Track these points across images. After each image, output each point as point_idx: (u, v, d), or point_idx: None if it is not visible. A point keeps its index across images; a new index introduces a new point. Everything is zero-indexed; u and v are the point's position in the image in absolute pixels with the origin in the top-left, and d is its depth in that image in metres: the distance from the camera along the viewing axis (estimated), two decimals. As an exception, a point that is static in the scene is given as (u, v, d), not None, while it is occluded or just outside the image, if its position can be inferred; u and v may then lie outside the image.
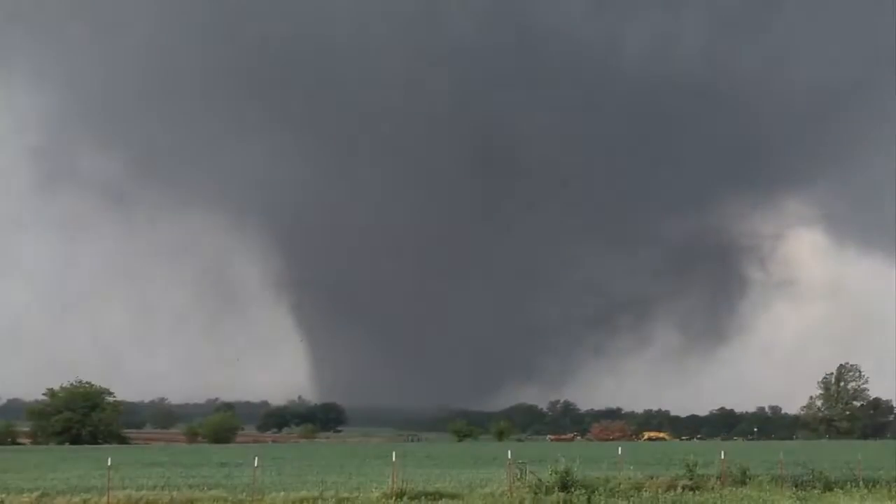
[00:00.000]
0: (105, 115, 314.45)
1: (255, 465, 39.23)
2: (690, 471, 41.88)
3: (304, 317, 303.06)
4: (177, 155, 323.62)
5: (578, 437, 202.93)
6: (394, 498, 35.79)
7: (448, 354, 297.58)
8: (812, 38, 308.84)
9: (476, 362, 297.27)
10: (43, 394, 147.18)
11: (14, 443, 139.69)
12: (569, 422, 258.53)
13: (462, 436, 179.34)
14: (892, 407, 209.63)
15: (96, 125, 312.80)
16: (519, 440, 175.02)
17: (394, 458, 40.30)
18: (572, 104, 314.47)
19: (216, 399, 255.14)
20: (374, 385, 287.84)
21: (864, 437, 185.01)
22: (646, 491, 38.46)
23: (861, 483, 42.06)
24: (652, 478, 42.38)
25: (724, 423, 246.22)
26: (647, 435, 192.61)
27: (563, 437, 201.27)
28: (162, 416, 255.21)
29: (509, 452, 42.57)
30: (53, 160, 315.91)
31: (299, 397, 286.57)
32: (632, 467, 49.49)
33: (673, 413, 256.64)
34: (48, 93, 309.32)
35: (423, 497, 36.05)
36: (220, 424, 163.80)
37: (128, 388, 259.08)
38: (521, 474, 40.27)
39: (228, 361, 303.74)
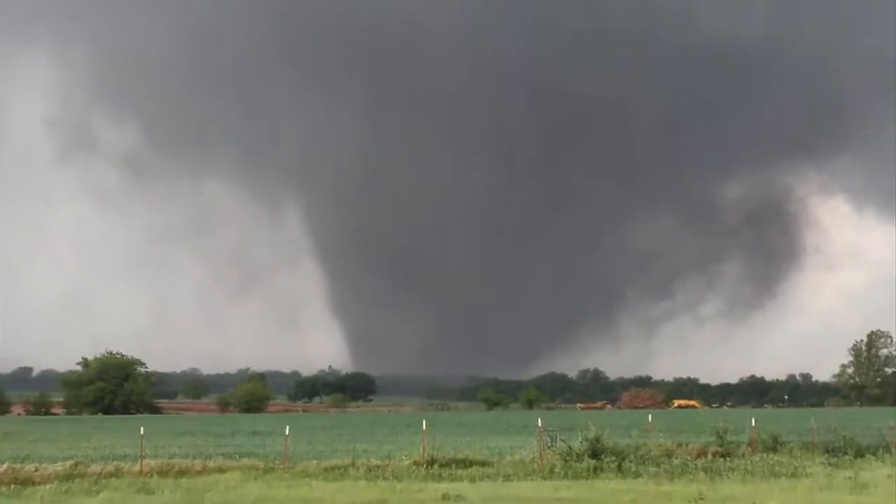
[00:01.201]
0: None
1: (287, 434, 39.43)
2: (721, 438, 41.81)
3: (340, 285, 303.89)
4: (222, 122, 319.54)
5: (608, 406, 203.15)
6: (424, 466, 35.89)
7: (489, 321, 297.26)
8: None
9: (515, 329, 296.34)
10: (77, 363, 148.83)
11: (48, 413, 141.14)
12: (598, 390, 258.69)
13: (492, 404, 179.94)
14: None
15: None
16: (549, 408, 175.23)
17: (423, 427, 40.41)
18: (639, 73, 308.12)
19: (247, 369, 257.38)
20: (410, 353, 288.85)
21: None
22: (676, 458, 38.43)
23: (893, 449, 41.89)
24: (682, 445, 42.34)
25: (755, 391, 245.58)
26: (676, 403, 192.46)
27: (593, 405, 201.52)
28: (193, 386, 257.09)
29: (539, 420, 42.62)
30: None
31: (330, 367, 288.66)
32: (662, 434, 49.48)
33: (703, 381, 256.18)
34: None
35: (453, 464, 36.15)
36: (252, 394, 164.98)
37: (160, 358, 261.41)
38: (551, 442, 40.33)
39: (259, 331, 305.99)
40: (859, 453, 41.03)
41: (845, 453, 40.94)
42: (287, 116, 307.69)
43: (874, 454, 40.94)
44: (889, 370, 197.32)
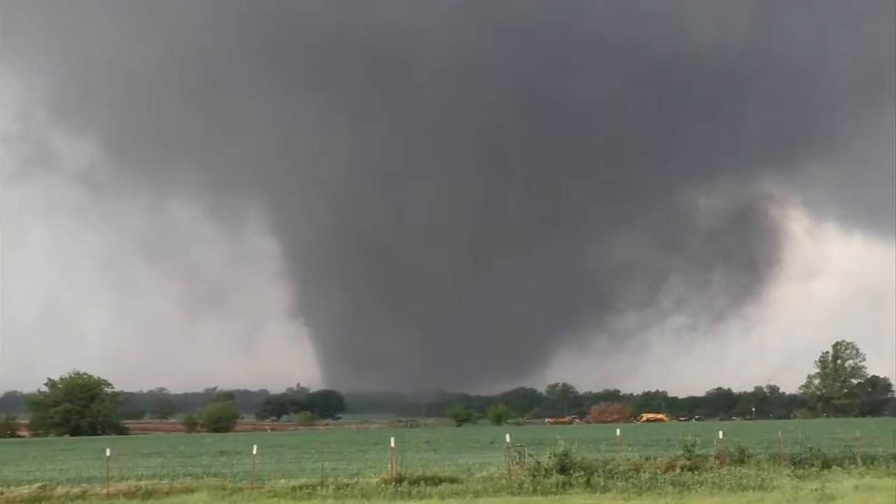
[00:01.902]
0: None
1: (255, 452, 39.26)
2: (689, 451, 41.91)
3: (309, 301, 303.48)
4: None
5: (577, 420, 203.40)
6: (393, 483, 35.84)
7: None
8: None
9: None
10: (44, 384, 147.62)
11: (13, 435, 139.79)
12: (567, 405, 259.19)
13: (460, 420, 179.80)
14: (889, 385, 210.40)
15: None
16: (517, 424, 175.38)
17: (392, 444, 40.35)
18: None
19: (215, 388, 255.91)
20: (379, 370, 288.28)
21: (863, 414, 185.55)
22: (644, 472, 38.51)
23: (859, 461, 42.16)
24: (650, 459, 42.44)
25: (722, 404, 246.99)
26: (645, 416, 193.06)
27: (562, 419, 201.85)
28: (161, 406, 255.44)
29: (507, 436, 42.61)
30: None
31: (298, 385, 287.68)
32: (630, 448, 49.53)
33: (671, 394, 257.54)
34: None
35: (422, 482, 36.11)
36: (219, 413, 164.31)
37: (126, 378, 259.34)
38: (519, 457, 40.32)
39: (227, 350, 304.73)
40: (826, 465, 41.23)
41: (812, 465, 41.13)
42: (254, 126, 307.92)
43: (841, 465, 41.15)
44: (855, 381, 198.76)
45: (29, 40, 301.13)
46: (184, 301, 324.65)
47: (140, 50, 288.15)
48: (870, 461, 42.19)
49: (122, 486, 35.36)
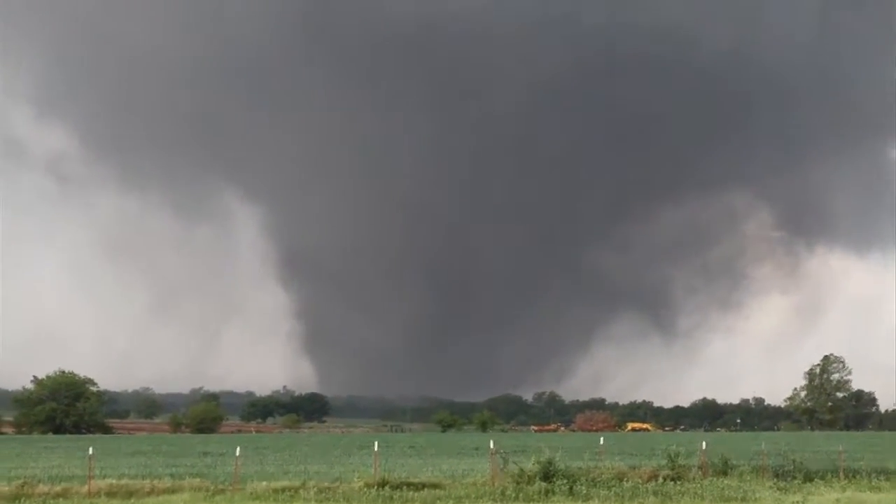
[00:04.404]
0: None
1: (237, 454, 39.17)
2: (672, 461, 41.96)
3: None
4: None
5: (562, 428, 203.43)
6: (376, 487, 35.78)
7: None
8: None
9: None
10: (31, 381, 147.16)
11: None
12: (553, 413, 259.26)
13: (446, 426, 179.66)
14: (874, 399, 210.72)
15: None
16: (503, 430, 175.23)
17: (376, 448, 40.29)
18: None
19: (200, 389, 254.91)
20: (364, 374, 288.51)
21: (847, 428, 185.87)
22: (627, 481, 38.51)
23: (842, 474, 42.21)
24: (634, 468, 42.46)
25: (708, 415, 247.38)
26: (630, 426, 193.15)
27: (547, 427, 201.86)
28: (146, 405, 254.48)
29: (492, 442, 42.60)
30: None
31: (284, 387, 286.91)
32: (615, 457, 49.54)
33: (657, 404, 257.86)
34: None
35: (405, 487, 36.05)
36: (204, 414, 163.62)
37: (111, 377, 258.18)
38: (503, 464, 40.30)
39: (213, 351, 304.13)
40: (808, 478, 41.27)
41: (794, 478, 41.17)
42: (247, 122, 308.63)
43: (823, 479, 41.21)
44: (840, 395, 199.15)
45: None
46: (170, 301, 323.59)
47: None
48: (852, 475, 42.23)
49: (104, 484, 35.25)
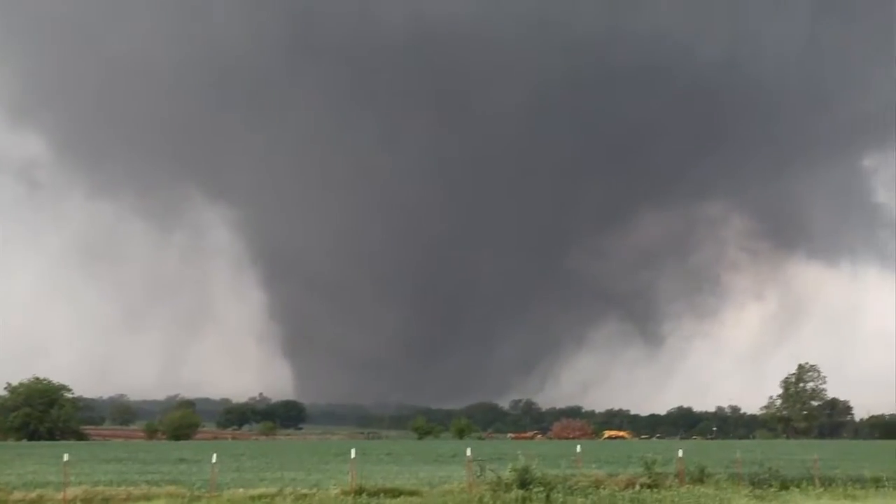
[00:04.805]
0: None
1: (213, 461, 39.04)
2: (649, 469, 42.07)
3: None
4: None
5: (539, 436, 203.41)
6: (353, 495, 35.75)
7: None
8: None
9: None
10: (4, 388, 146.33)
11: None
12: (530, 420, 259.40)
13: (423, 433, 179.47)
14: (849, 407, 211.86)
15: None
16: (480, 438, 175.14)
17: (353, 455, 40.24)
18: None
19: (176, 395, 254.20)
20: (341, 381, 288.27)
21: (822, 436, 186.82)
22: (604, 488, 38.60)
23: (817, 482, 42.43)
24: (611, 476, 42.56)
25: (684, 423, 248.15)
26: (607, 434, 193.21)
27: (524, 435, 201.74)
28: (121, 412, 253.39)
29: (469, 450, 42.61)
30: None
31: (260, 394, 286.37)
32: (592, 465, 49.66)
33: (633, 412, 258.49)
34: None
35: (381, 494, 36.04)
36: (180, 421, 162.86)
37: (86, 384, 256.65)
38: (480, 472, 40.28)
39: (189, 357, 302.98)
40: (784, 486, 41.48)
41: (770, 486, 41.36)
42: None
43: (798, 486, 41.42)
44: (815, 403, 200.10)
45: None
46: (145, 307, 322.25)
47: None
48: (828, 483, 42.49)
49: (79, 491, 35.10)
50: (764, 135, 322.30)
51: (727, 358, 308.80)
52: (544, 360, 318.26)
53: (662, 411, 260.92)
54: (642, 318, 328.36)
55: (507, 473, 38.12)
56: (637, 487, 39.54)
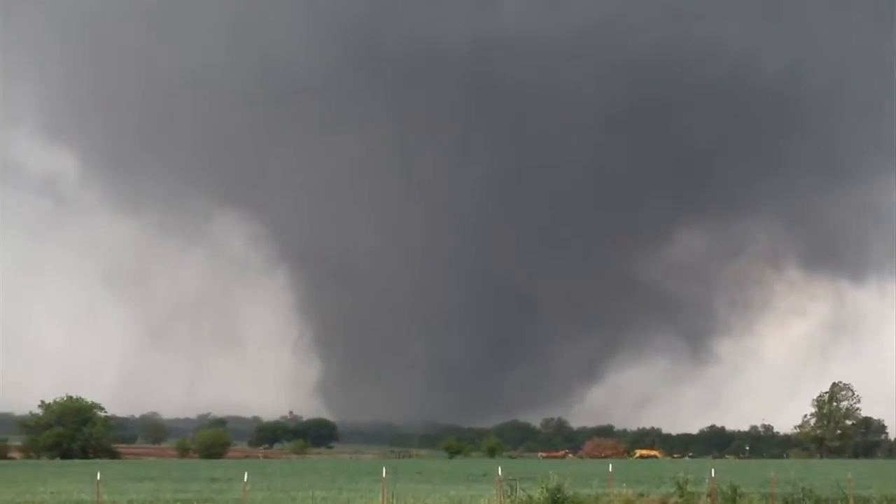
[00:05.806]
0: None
1: (245, 480, 39.14)
2: (681, 489, 41.85)
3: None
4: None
5: (570, 455, 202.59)
6: (384, 514, 35.77)
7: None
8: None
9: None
10: (38, 406, 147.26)
11: (4, 457, 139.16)
12: (561, 439, 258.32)
13: (453, 452, 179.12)
14: (883, 426, 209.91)
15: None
16: (510, 457, 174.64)
17: (384, 474, 40.24)
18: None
19: (207, 414, 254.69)
20: (373, 399, 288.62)
21: (856, 456, 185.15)
22: (636, 508, 38.48)
23: (851, 502, 42.09)
24: (643, 495, 42.35)
25: (717, 442, 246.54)
26: (638, 453, 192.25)
27: (555, 454, 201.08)
28: (153, 430, 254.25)
29: (499, 469, 42.54)
30: None
31: (291, 413, 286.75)
32: (623, 484, 49.48)
33: (665, 431, 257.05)
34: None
35: (412, 513, 36.06)
36: (212, 439, 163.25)
37: (119, 402, 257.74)
38: (510, 491, 40.21)
39: (220, 376, 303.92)
40: (818, 505, 41.21)
41: (804, 505, 41.10)
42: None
43: (832, 506, 41.15)
44: (849, 422, 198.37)
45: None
46: (178, 327, 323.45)
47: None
48: (862, 502, 42.13)
49: (113, 510, 35.29)
50: (812, 150, 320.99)
51: (760, 376, 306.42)
52: (577, 380, 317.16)
53: (694, 430, 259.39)
54: (675, 336, 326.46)
55: (538, 493, 38.04)
56: (669, 507, 39.38)
